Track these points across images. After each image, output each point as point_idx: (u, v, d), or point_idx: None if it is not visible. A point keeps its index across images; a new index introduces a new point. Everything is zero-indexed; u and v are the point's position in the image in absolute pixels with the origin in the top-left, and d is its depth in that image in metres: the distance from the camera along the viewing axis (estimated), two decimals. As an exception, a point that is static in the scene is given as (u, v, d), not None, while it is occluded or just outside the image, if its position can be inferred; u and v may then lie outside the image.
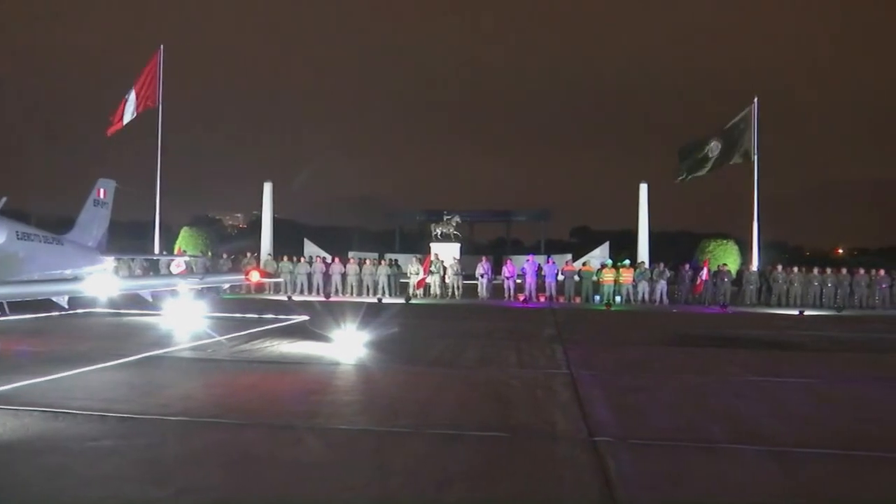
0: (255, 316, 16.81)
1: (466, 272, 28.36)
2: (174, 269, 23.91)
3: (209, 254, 30.91)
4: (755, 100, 31.01)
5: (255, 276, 12.53)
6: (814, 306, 24.79)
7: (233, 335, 13.14)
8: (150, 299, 12.34)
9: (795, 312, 22.59)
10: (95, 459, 5.40)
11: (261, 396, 7.94)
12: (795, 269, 26.67)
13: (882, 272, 26.23)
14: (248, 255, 30.02)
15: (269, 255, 31.93)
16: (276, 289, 26.82)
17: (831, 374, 10.46)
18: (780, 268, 27.09)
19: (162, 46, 30.24)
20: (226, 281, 15.99)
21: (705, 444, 6.13)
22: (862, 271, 26.22)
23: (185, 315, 15.09)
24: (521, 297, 25.61)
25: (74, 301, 13.31)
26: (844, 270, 26.70)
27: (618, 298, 25.29)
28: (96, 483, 4.87)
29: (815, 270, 26.39)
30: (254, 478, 5.03)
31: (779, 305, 25.14)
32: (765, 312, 22.90)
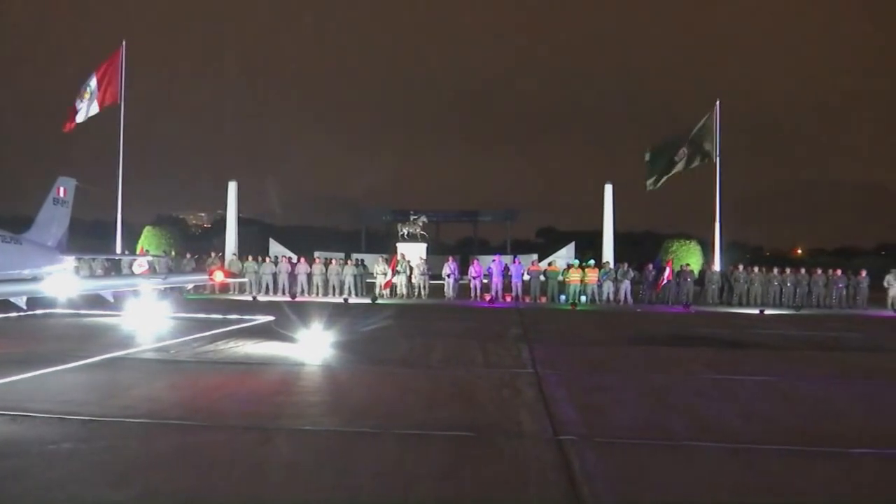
0: (220, 316, 16.63)
1: (433, 272, 28.38)
2: (136, 269, 23.56)
3: (172, 253, 30.48)
4: (717, 103, 31.53)
5: (219, 276, 12.39)
6: (773, 305, 25.28)
7: (197, 336, 13.00)
8: (112, 300, 12.14)
9: (756, 311, 23.00)
10: (55, 462, 5.31)
11: (225, 397, 7.86)
12: (756, 269, 27.18)
13: (839, 272, 26.84)
14: (213, 254, 29.72)
15: (234, 254, 31.61)
16: (241, 289, 26.58)
17: (790, 372, 10.67)
18: (741, 268, 27.57)
19: (125, 42, 29.76)
20: (189, 281, 15.78)
21: (668, 442, 6.22)
22: (820, 271, 26.80)
23: (147, 316, 14.89)
24: (488, 297, 25.70)
25: (33, 302, 13.02)
26: (803, 270, 27.27)
27: (583, 298, 25.50)
28: (55, 486, 4.79)
29: (775, 270, 26.92)
30: (218, 480, 4.99)
31: (740, 305, 25.57)
32: (726, 312, 23.27)
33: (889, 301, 25.82)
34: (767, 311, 23.06)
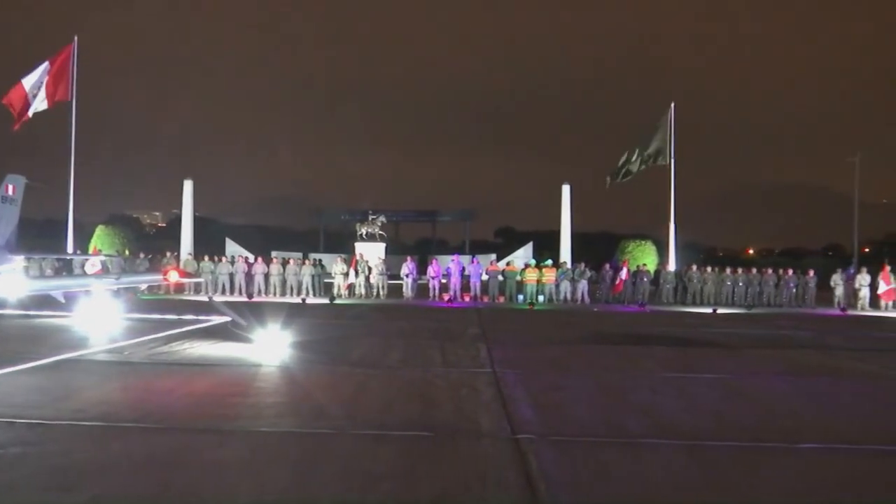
0: (175, 317, 16.37)
1: (392, 272, 28.33)
2: (89, 268, 23.08)
3: (126, 253, 29.90)
4: (672, 106, 32.06)
5: (173, 276, 12.23)
6: (726, 304, 25.81)
7: (151, 337, 12.78)
8: (63, 300, 11.89)
9: (709, 310, 23.45)
10: (2, 467, 5.17)
11: (180, 399, 7.75)
12: (709, 269, 27.75)
13: (790, 272, 27.54)
14: (168, 254, 29.20)
15: (190, 254, 31.15)
16: (197, 289, 26.20)
17: (742, 369, 10.91)
18: (694, 268, 28.11)
19: (76, 38, 29.11)
20: (143, 281, 15.54)
21: (624, 440, 6.31)
22: (770, 271, 27.47)
23: (100, 317, 14.58)
24: (446, 297, 25.75)
25: (-20, 303, 12.71)
26: (754, 270, 27.92)
27: (541, 298, 25.71)
28: (3, 491, 4.66)
29: (728, 270, 27.49)
30: (173, 482, 4.92)
31: (694, 304, 26.05)
32: (681, 311, 23.68)
33: (835, 300, 26.57)
34: (720, 310, 23.53)
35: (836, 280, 27.03)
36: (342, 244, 47.78)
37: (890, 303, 26.24)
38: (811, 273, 27.64)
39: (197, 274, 25.60)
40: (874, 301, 26.44)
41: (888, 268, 26.81)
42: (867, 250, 67.78)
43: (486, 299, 26.19)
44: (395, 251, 43.90)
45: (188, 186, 34.89)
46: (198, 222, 37.39)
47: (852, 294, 26.77)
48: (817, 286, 27.54)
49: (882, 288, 26.31)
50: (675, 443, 6.19)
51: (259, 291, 26.15)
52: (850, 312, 24.77)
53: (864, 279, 26.74)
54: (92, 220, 40.04)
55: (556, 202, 37.04)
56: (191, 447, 5.86)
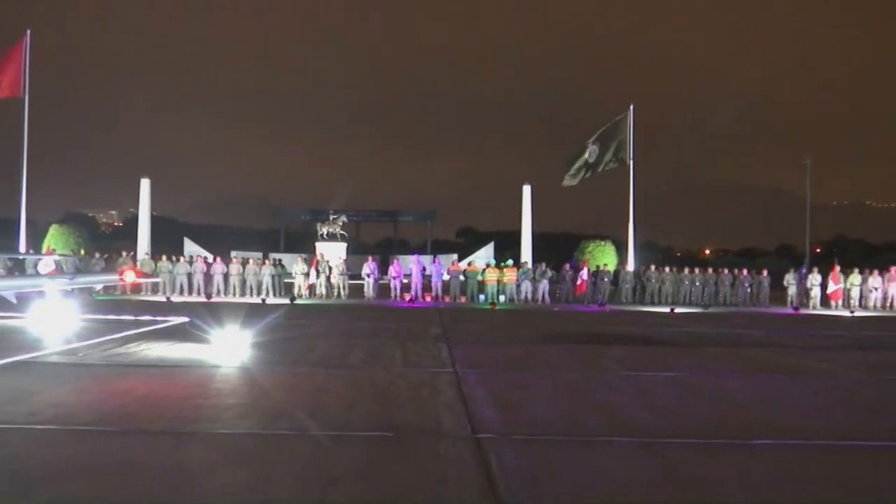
0: (131, 318, 16.10)
1: (353, 272, 28.25)
2: (42, 268, 22.57)
3: (81, 252, 29.32)
4: (631, 107, 32.48)
5: (130, 277, 12.03)
6: (684, 304, 26.28)
7: (107, 338, 12.55)
8: (14, 301, 11.60)
9: (667, 310, 23.85)
10: (-48, 473, 5.04)
11: (137, 401, 7.63)
12: (667, 269, 28.21)
13: (745, 272, 28.16)
14: (124, 254, 28.71)
15: (147, 254, 30.70)
16: (154, 290, 25.81)
17: (698, 367, 11.12)
18: (653, 268, 28.57)
19: (29, 31, 28.44)
20: (99, 281, 15.24)
21: (583, 438, 6.39)
22: (726, 271, 28.05)
23: (53, 318, 14.27)
24: (408, 297, 25.76)
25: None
26: (710, 270, 28.46)
27: (502, 298, 25.87)
28: (-47, 498, 4.56)
29: (686, 270, 27.99)
30: (129, 486, 4.84)
31: (652, 303, 26.47)
32: (639, 310, 24.03)
33: (788, 299, 27.22)
34: (678, 310, 23.95)
35: (789, 280, 27.72)
36: (303, 244, 47.48)
37: (839, 301, 26.97)
38: (765, 273, 28.31)
39: (154, 274, 25.24)
40: (825, 300, 27.15)
41: (837, 268, 27.57)
42: (818, 251, 69.51)
43: (447, 299, 26.27)
44: (357, 251, 43.82)
45: (145, 185, 34.38)
46: (155, 221, 36.87)
47: (804, 293, 27.47)
48: (771, 286, 28.22)
49: (831, 287, 27.04)
50: (632, 440, 6.28)
51: (218, 292, 25.87)
52: (803, 311, 25.41)
53: (815, 279, 27.47)
54: (45, 219, 39.23)
55: (517, 203, 37.33)
56: (148, 450, 5.78)
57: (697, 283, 27.29)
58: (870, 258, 60.50)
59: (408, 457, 5.62)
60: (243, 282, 26.35)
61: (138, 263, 27.28)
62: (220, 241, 49.20)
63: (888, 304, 27.48)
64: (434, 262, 28.34)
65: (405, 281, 27.08)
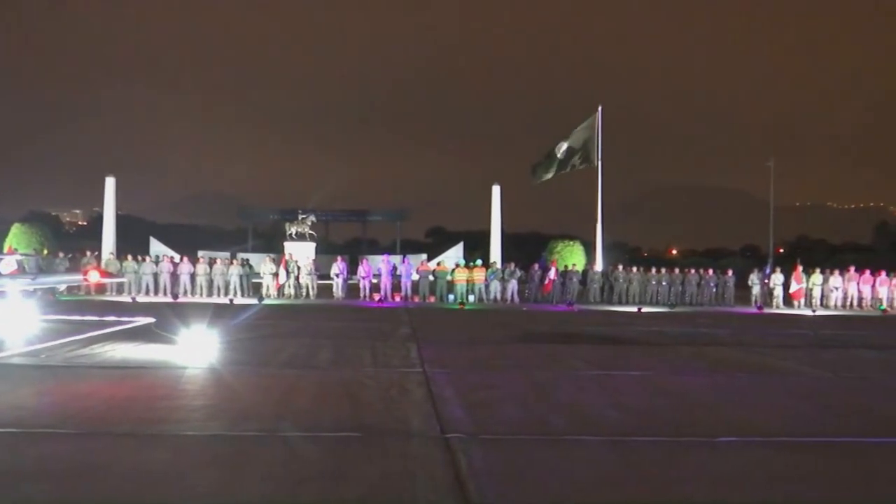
0: (96, 318, 15.83)
1: (322, 272, 28.11)
2: (3, 268, 22.06)
3: (44, 252, 28.79)
4: (599, 108, 32.74)
5: (94, 277, 11.85)
6: (651, 303, 26.57)
7: (70, 339, 12.33)
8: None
9: (634, 309, 24.09)
10: None
11: (101, 403, 7.52)
12: (634, 269, 28.47)
13: (710, 272, 28.54)
14: (88, 253, 28.22)
15: (112, 254, 30.24)
16: (119, 290, 25.44)
17: (664, 366, 11.25)
18: (620, 267, 28.84)
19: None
20: (62, 281, 14.99)
21: (551, 437, 6.44)
22: (693, 271, 28.38)
23: (15, 319, 13.99)
24: (377, 297, 25.70)
25: None
26: (677, 270, 28.80)
27: (471, 297, 25.93)
28: (-89, 503, 4.46)
29: (653, 270, 28.28)
30: (93, 490, 4.78)
31: (620, 303, 26.71)
32: (607, 310, 24.24)
33: (752, 298, 27.66)
34: (645, 309, 24.21)
35: (753, 279, 28.17)
36: (271, 244, 47.16)
37: (801, 301, 27.48)
38: (730, 273, 28.72)
39: (119, 274, 24.87)
40: (787, 299, 27.64)
41: (800, 268, 28.10)
42: (781, 251, 70.71)
43: (416, 299, 26.25)
44: (326, 251, 43.59)
45: (110, 183, 33.87)
46: (120, 221, 36.35)
47: (768, 293, 27.93)
48: (736, 285, 28.63)
49: (793, 287, 27.53)
50: (599, 438, 6.35)
51: (185, 292, 25.56)
52: (766, 310, 25.83)
53: (777, 279, 27.94)
54: (7, 218, 38.44)
55: (487, 203, 37.41)
56: (113, 452, 5.70)
57: (664, 283, 27.60)
58: (831, 258, 61.70)
59: (377, 457, 5.62)
60: (210, 282, 26.08)
61: (103, 263, 26.87)
62: (186, 241, 48.65)
63: (848, 304, 28.07)
64: (403, 261, 28.29)
65: (374, 281, 27.01)
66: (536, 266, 28.38)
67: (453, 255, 40.79)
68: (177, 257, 28.80)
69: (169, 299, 23.96)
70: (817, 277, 28.14)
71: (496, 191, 37.03)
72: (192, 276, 26.07)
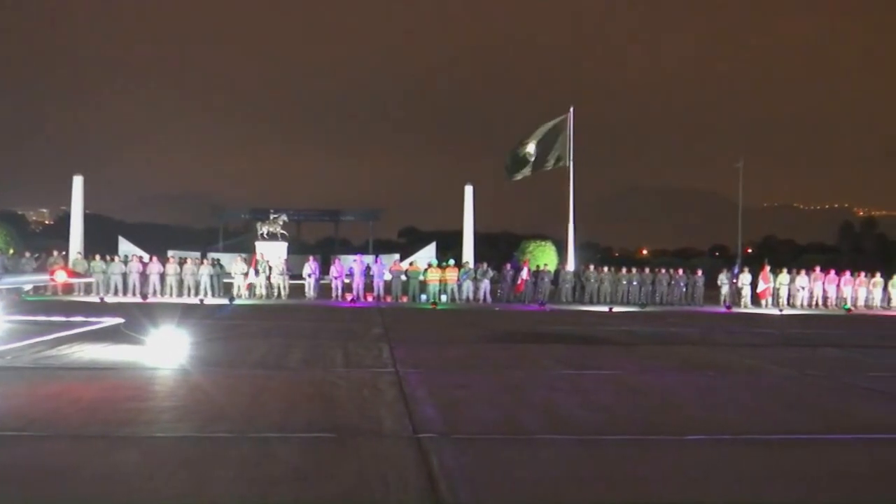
0: (63, 319, 15.59)
1: (293, 272, 27.97)
2: (-34, 268, 21.69)
3: (10, 252, 28.28)
4: (571, 109, 32.95)
5: (61, 277, 11.67)
6: (622, 303, 26.80)
7: (36, 340, 12.13)
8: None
9: (606, 309, 24.27)
10: None
11: (69, 405, 7.41)
12: (606, 269, 28.72)
13: (680, 272, 28.90)
14: (55, 253, 27.77)
15: (80, 253, 29.81)
16: (87, 290, 25.08)
17: (635, 365, 11.37)
18: (592, 267, 29.05)
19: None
20: (28, 282, 14.74)
21: (522, 436, 6.48)
22: (663, 271, 28.70)
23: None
24: (349, 297, 25.63)
25: None
26: (648, 270, 29.09)
27: (443, 297, 25.96)
28: None
29: (623, 270, 28.54)
30: (60, 493, 4.72)
31: (591, 303, 26.91)
32: (579, 309, 24.41)
33: (721, 298, 28.04)
34: (616, 309, 24.42)
35: (722, 279, 28.57)
36: (243, 244, 46.79)
37: (769, 300, 27.92)
38: (699, 273, 29.10)
39: (87, 274, 24.52)
40: (755, 299, 28.06)
41: (767, 268, 28.57)
42: (750, 251, 71.74)
43: (389, 299, 26.22)
44: (297, 251, 43.38)
45: (78, 182, 33.37)
46: (88, 220, 35.87)
47: (737, 293, 28.32)
48: (705, 285, 29.01)
49: (761, 286, 27.98)
50: (570, 437, 6.40)
51: (154, 292, 25.28)
52: (735, 310, 26.20)
53: (745, 278, 28.37)
54: (-29, 217, 37.69)
55: (459, 203, 37.47)
56: (81, 455, 5.63)
57: (635, 283, 27.87)
58: (797, 258, 62.74)
59: (349, 457, 5.61)
60: (180, 282, 25.82)
61: (70, 263, 26.48)
62: (156, 240, 48.12)
63: (814, 303, 28.56)
64: (376, 261, 28.24)
65: (347, 281, 26.93)
66: (509, 266, 28.49)
67: (426, 255, 40.80)
68: (146, 257, 28.47)
69: (138, 300, 23.68)
70: (784, 277, 28.61)
71: (469, 191, 37.09)
72: (162, 276, 25.80)
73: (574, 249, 33.24)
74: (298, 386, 8.74)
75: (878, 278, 29.75)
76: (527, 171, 33.33)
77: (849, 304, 28.14)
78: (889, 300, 29.58)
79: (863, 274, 29.72)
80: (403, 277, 27.31)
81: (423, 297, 26.09)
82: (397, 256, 42.16)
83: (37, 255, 27.07)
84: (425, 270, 27.21)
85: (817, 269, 29.62)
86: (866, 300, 29.27)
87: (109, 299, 23.48)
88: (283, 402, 7.82)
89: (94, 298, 23.62)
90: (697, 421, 7.30)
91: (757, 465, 5.71)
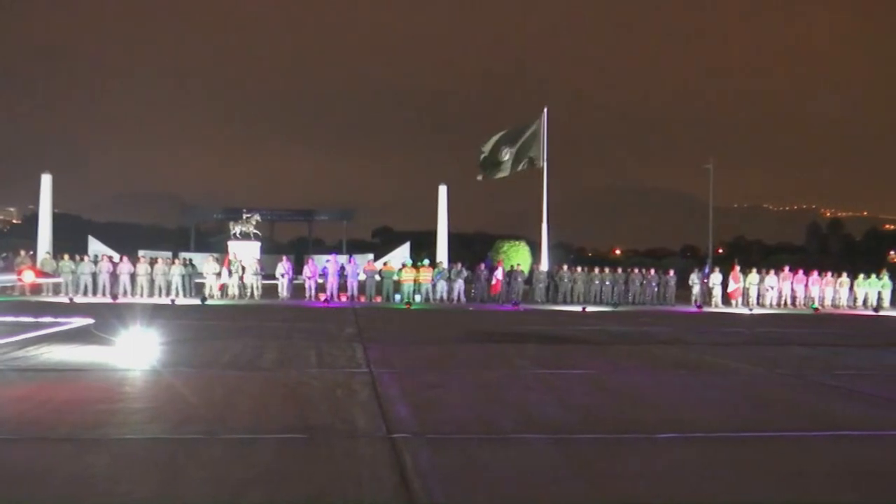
0: (31, 320, 15.34)
1: (266, 272, 27.80)
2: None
3: (-25, 252, 27.78)
4: (545, 110, 33.10)
5: (29, 276, 11.51)
6: (594, 303, 26.98)
7: (3, 341, 11.93)
8: None
9: (579, 309, 24.42)
10: None
11: (37, 407, 7.30)
12: (579, 269, 28.89)
13: (652, 272, 29.17)
14: (23, 253, 27.32)
15: (48, 253, 29.36)
16: (56, 290, 24.71)
17: (607, 364, 11.45)
18: (565, 267, 29.23)
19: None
20: (-5, 282, 14.46)
21: (496, 436, 6.49)
22: (636, 271, 28.95)
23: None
24: (323, 297, 25.52)
25: None
26: (620, 270, 29.34)
27: (417, 297, 25.95)
28: None
29: (596, 270, 28.74)
30: (28, 497, 4.64)
31: (565, 302, 27.06)
32: (552, 309, 24.53)
33: (693, 298, 28.33)
34: (589, 308, 24.58)
35: (694, 279, 28.88)
36: (215, 243, 46.40)
37: (739, 300, 28.29)
38: (671, 272, 29.40)
39: (56, 274, 24.17)
40: (725, 298, 28.41)
41: (737, 268, 28.96)
42: (721, 251, 72.60)
43: (362, 299, 26.15)
44: (271, 251, 43.12)
45: (46, 181, 32.88)
46: (57, 219, 35.34)
47: (707, 292, 28.66)
48: (677, 285, 29.31)
49: (731, 286, 28.35)
50: (544, 436, 6.43)
51: (125, 292, 24.98)
52: (706, 309, 26.49)
53: (716, 278, 28.71)
54: (-64, 216, 37.00)
55: (433, 203, 37.49)
56: (49, 458, 5.54)
57: (608, 283, 28.08)
58: (766, 258, 63.64)
59: (322, 458, 5.59)
60: (152, 282, 25.54)
61: (39, 263, 26.09)
62: (126, 240, 47.59)
63: (783, 302, 28.98)
64: (350, 261, 28.15)
65: (320, 281, 26.82)
66: (483, 266, 28.55)
67: (400, 255, 40.75)
68: (116, 257, 28.12)
69: (108, 300, 23.37)
70: (754, 277, 29.00)
71: (443, 191, 37.12)
72: (133, 276, 25.50)
73: (548, 249, 33.40)
74: (271, 386, 8.68)
75: (845, 278, 30.28)
76: (502, 171, 33.41)
77: (816, 304, 28.59)
78: (855, 299, 30.11)
79: (829, 274, 30.23)
80: (377, 277, 27.25)
81: (398, 297, 26.06)
82: (371, 256, 42.08)
83: (4, 254, 26.68)
84: (399, 270, 27.18)
85: (786, 269, 30.10)
86: (833, 299, 29.77)
87: (79, 300, 23.15)
88: (256, 402, 7.76)
89: (62, 299, 23.28)
90: (669, 419, 7.36)
91: (727, 463, 5.78)
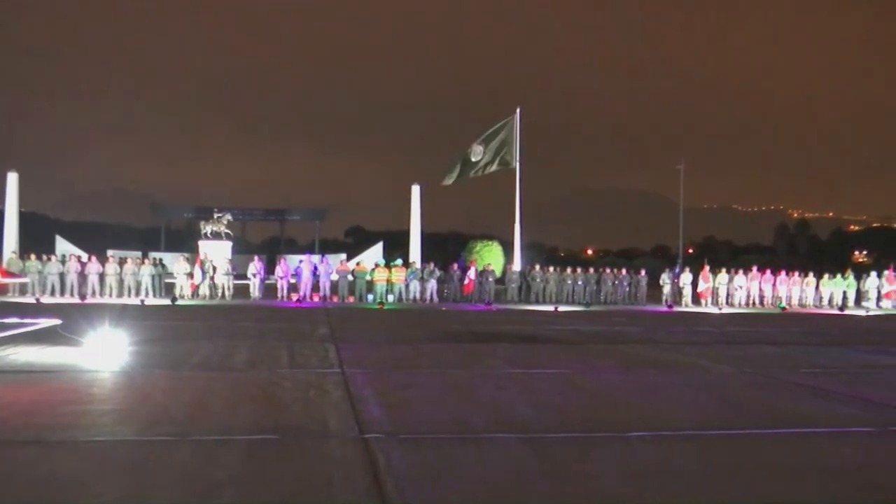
0: (-5, 321, 15.07)
1: (238, 272, 27.59)
2: None
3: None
4: (518, 110, 33.21)
5: (-6, 277, 11.25)
6: (567, 302, 27.16)
7: (-33, 343, 11.71)
8: None
9: (551, 308, 24.57)
10: None
11: (3, 409, 7.17)
12: (551, 269, 29.06)
13: (624, 272, 29.42)
14: (-12, 252, 26.86)
15: (14, 252, 28.86)
16: (22, 290, 24.30)
17: (579, 364, 11.53)
18: (538, 267, 29.38)
19: None
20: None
21: (469, 435, 6.51)
22: (608, 271, 29.20)
23: None
24: (295, 297, 25.40)
25: None
26: (592, 270, 29.54)
27: (390, 297, 25.93)
28: None
29: (569, 270, 28.91)
30: (-6, 500, 4.57)
31: (537, 302, 27.21)
32: (525, 309, 24.65)
33: (664, 297, 28.64)
34: (561, 308, 24.75)
35: (664, 279, 29.19)
36: (186, 243, 45.95)
37: (708, 299, 28.63)
38: (642, 272, 29.68)
39: (22, 274, 23.77)
40: (696, 298, 28.75)
41: (707, 268, 29.32)
42: (691, 251, 73.45)
43: (335, 299, 26.07)
44: (242, 251, 42.80)
45: (12, 179, 32.35)
46: (24, 218, 34.75)
47: (678, 292, 28.97)
48: (648, 284, 29.60)
49: (701, 286, 28.69)
50: (517, 436, 6.46)
51: (93, 293, 24.64)
52: (676, 309, 26.78)
53: (686, 278, 29.04)
54: None
55: (406, 203, 37.47)
56: (15, 461, 5.45)
57: (580, 283, 28.28)
58: (735, 258, 64.50)
59: (293, 459, 5.56)
60: (121, 282, 25.21)
61: (5, 263, 25.67)
62: (95, 240, 46.97)
63: (751, 302, 29.40)
64: (322, 261, 28.04)
65: (292, 281, 26.67)
66: (455, 266, 28.61)
67: (373, 255, 40.66)
68: (84, 256, 27.74)
69: (76, 300, 23.04)
70: (723, 277, 29.38)
71: (416, 191, 37.11)
72: (101, 276, 25.16)
73: (520, 249, 33.53)
74: (243, 387, 8.62)
75: (811, 278, 30.80)
76: (474, 172, 33.45)
77: (784, 303, 29.04)
78: (821, 299, 30.64)
79: (796, 273, 30.72)
80: (350, 277, 27.18)
81: (370, 297, 26.01)
82: (344, 256, 41.93)
83: (-32, 254, 26.13)
84: (372, 270, 27.12)
85: (754, 268, 30.55)
86: (800, 299, 30.26)
87: (46, 300, 22.79)
88: (227, 403, 7.70)
89: (29, 299, 22.89)
90: (640, 418, 7.44)
91: (696, 460, 5.86)
